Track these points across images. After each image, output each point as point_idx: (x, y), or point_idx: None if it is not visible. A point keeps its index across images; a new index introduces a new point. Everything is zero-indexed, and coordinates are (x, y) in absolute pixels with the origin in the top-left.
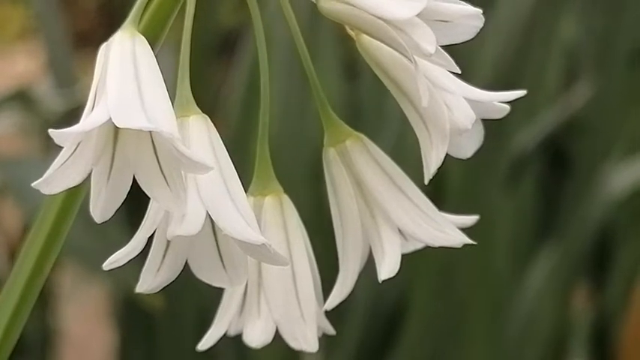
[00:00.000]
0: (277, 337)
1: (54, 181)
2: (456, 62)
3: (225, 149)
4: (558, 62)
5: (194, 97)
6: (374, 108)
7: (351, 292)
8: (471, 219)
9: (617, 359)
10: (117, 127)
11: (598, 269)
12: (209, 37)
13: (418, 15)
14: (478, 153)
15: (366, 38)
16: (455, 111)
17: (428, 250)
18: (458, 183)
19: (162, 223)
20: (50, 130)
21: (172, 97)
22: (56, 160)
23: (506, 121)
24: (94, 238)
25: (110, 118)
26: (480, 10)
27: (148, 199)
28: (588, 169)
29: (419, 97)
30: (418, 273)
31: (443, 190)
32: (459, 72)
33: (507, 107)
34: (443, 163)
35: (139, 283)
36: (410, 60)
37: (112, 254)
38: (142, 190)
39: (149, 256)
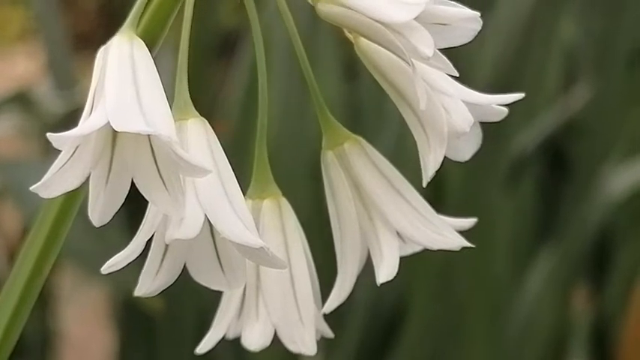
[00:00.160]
0: (276, 340)
1: (52, 184)
2: (456, 64)
3: (223, 152)
4: (557, 64)
5: (194, 98)
6: (374, 109)
7: (351, 294)
8: (468, 222)
9: None
10: (115, 131)
11: (597, 270)
12: (209, 38)
13: (416, 18)
14: (478, 154)
15: (364, 41)
16: (453, 114)
17: (427, 252)
18: (458, 184)
19: (160, 227)
20: (48, 134)
21: (172, 99)
22: (54, 164)
23: (505, 122)
24: (94, 241)
25: (108, 122)
26: (478, 13)
27: (147, 201)
28: (588, 171)
29: (417, 100)
30: (418, 275)
31: (443, 192)
32: (457, 75)
33: (505, 110)
34: (442, 165)
35: (137, 287)
36: (408, 63)
37: (111, 257)
38: (141, 193)
39: (147, 259)
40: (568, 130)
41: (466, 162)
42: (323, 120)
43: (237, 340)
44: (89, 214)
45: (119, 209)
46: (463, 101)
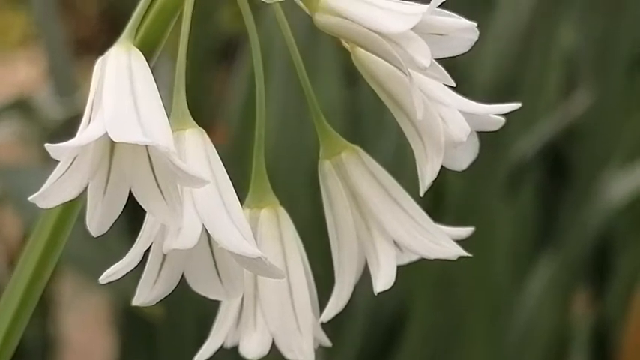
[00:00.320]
0: (274, 348)
1: (50, 195)
2: (455, 70)
3: (220, 163)
4: (557, 69)
5: (194, 104)
6: (374, 115)
7: (351, 301)
8: (466, 230)
9: None
10: (113, 142)
11: (598, 276)
12: (209, 44)
13: (413, 29)
14: (477, 161)
15: (361, 51)
16: (450, 124)
17: (427, 259)
18: (458, 191)
19: (158, 237)
20: (47, 145)
21: (170, 109)
22: (52, 174)
23: (505, 129)
24: (94, 248)
25: (106, 133)
26: (475, 24)
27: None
28: (588, 177)
29: (414, 110)
30: (418, 282)
31: (443, 199)
32: (454, 85)
33: (502, 120)
34: (441, 173)
35: (135, 296)
36: (405, 73)
37: (111, 264)
38: None
39: (145, 269)
40: (568, 136)
41: (466, 169)
42: (320, 129)
43: (237, 348)
44: (87, 224)
45: (119, 217)
46: (460, 111)
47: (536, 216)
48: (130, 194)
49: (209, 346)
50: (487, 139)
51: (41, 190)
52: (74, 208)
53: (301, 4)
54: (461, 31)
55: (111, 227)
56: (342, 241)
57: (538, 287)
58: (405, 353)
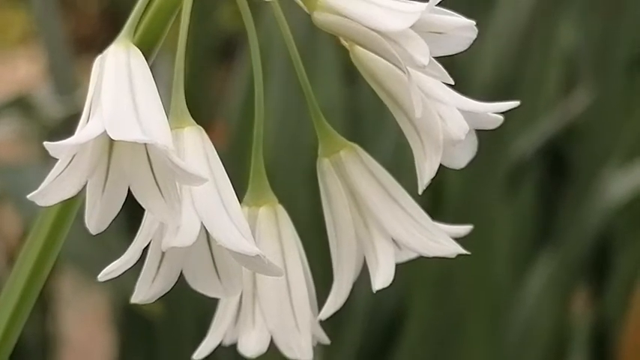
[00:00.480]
0: (273, 346)
1: (49, 193)
2: (455, 69)
3: (219, 161)
4: (557, 68)
5: (195, 101)
6: (374, 113)
7: (350, 299)
8: (464, 229)
9: None
10: (112, 139)
11: (597, 274)
12: (210, 41)
13: (412, 27)
14: (477, 160)
15: (360, 49)
16: (448, 122)
17: (426, 257)
18: (457, 189)
19: (156, 235)
20: (45, 143)
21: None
22: (51, 172)
23: (505, 127)
24: (93, 245)
25: (105, 131)
26: (474, 22)
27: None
28: (587, 175)
29: (412, 108)
30: (417, 280)
31: (442, 197)
32: (453, 83)
33: (501, 118)
34: (440, 172)
35: (134, 294)
36: (403, 71)
37: (110, 261)
38: None
39: (144, 267)
40: (568, 135)
41: (465, 167)
42: (319, 127)
43: (236, 346)
44: (86, 222)
45: (118, 214)
46: (459, 109)
47: (535, 214)
48: (129, 192)
49: (208, 344)
50: (487, 137)
51: (40, 187)
52: (73, 206)
53: (300, 2)
54: (460, 30)
55: (110, 225)
56: (340, 238)
57: (537, 286)
58: (404, 351)
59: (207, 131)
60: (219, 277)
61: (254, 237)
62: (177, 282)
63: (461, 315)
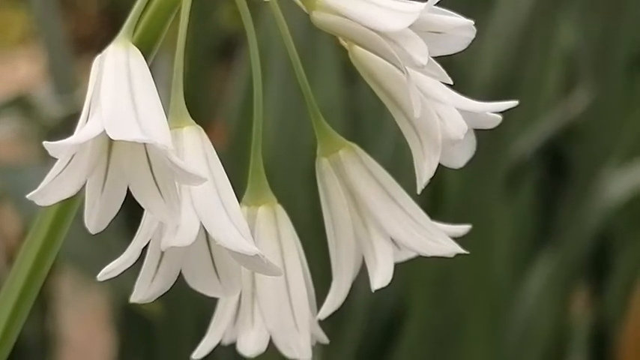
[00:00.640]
0: (272, 346)
1: (48, 192)
2: (455, 68)
3: (218, 160)
4: (557, 68)
5: (194, 101)
6: (373, 113)
7: (350, 298)
8: (463, 228)
9: None
10: (111, 139)
11: (597, 274)
12: (209, 41)
13: (411, 27)
14: (477, 160)
15: (359, 49)
16: (447, 121)
17: (425, 257)
18: (456, 189)
19: (156, 234)
20: (45, 143)
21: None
22: (51, 172)
23: (504, 127)
24: (93, 245)
25: (104, 130)
26: (472, 22)
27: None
28: (587, 175)
29: (411, 107)
30: (417, 279)
31: (442, 197)
32: (452, 83)
33: (500, 118)
34: (440, 172)
35: (133, 293)
36: (402, 71)
37: (110, 261)
38: None
39: (143, 266)
40: (567, 135)
41: (465, 167)
42: (318, 127)
43: (235, 345)
44: (85, 221)
45: (117, 214)
46: (457, 109)
47: (535, 214)
48: (128, 191)
49: (207, 344)
50: (486, 137)
51: (39, 187)
52: (72, 205)
53: (299, 1)
54: (458, 29)
55: (109, 224)
56: (339, 238)
57: (537, 286)
58: (404, 351)
59: (206, 131)
60: (218, 277)
61: (253, 237)
62: (176, 281)
63: (460, 315)
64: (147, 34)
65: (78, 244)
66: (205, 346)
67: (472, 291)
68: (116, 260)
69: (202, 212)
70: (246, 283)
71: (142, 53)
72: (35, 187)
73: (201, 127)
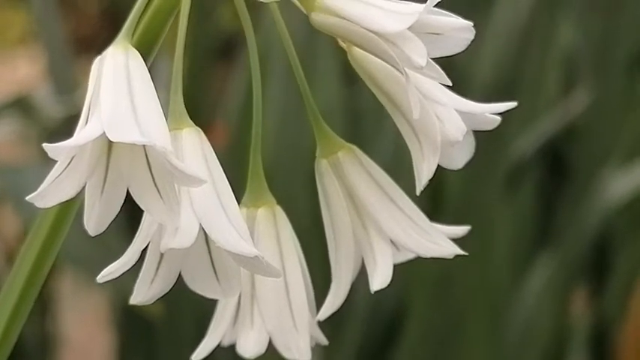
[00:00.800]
0: (272, 347)
1: (48, 194)
2: (455, 69)
3: (218, 162)
4: (557, 68)
5: (195, 102)
6: (373, 114)
7: (350, 299)
8: (462, 229)
9: None
10: (111, 141)
11: (597, 275)
12: (210, 42)
13: (409, 28)
14: (477, 160)
15: (358, 51)
16: (446, 123)
17: (425, 258)
18: (457, 189)
19: (155, 236)
20: (44, 145)
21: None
22: (50, 174)
23: (504, 128)
24: (93, 246)
25: (104, 132)
26: (471, 23)
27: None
28: (587, 176)
29: (410, 109)
30: (417, 280)
31: (442, 197)
32: (451, 84)
33: (498, 119)
34: (440, 172)
35: (132, 295)
36: (401, 72)
37: (110, 262)
38: None
39: (143, 268)
40: (567, 135)
41: (465, 168)
42: (317, 128)
43: (234, 347)
44: (85, 223)
45: (118, 215)
46: (456, 110)
47: (535, 215)
48: (129, 193)
49: (206, 345)
50: (486, 137)
51: (39, 189)
52: (72, 207)
53: (298, 3)
54: (457, 31)
55: (110, 225)
56: (338, 239)
57: (537, 286)
58: (404, 352)
59: (206, 132)
60: (217, 279)
61: (252, 238)
62: (176, 282)
63: (460, 315)
64: (146, 36)
65: (78, 245)
66: (205, 348)
67: (472, 291)
68: (116, 262)
69: (202, 214)
70: (246, 284)
71: (141, 55)
72: (35, 188)
73: (200, 129)
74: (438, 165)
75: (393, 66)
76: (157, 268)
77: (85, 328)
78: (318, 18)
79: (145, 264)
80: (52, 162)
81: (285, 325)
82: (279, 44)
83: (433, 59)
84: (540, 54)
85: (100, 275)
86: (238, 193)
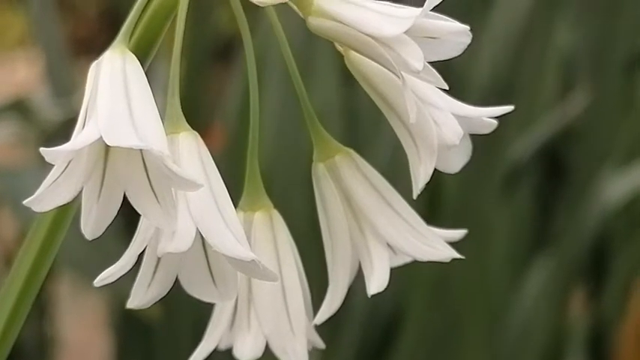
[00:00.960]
0: (269, 350)
1: (45, 199)
2: (452, 72)
3: (214, 166)
4: (554, 70)
5: (193, 104)
6: (371, 117)
7: (348, 303)
8: (459, 233)
9: None
10: (107, 145)
11: (595, 277)
12: (208, 44)
13: (406, 32)
14: (474, 163)
15: (354, 54)
16: (443, 127)
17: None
18: (454, 192)
19: (152, 240)
20: (41, 149)
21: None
22: (47, 179)
23: (502, 130)
24: (91, 249)
25: (101, 137)
26: (468, 27)
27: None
28: (585, 178)
29: (407, 113)
30: (414, 283)
31: (440, 199)
32: (447, 88)
33: (495, 122)
34: (437, 175)
35: (130, 299)
36: (398, 76)
37: (108, 265)
38: None
39: (140, 272)
40: (565, 137)
41: (463, 170)
42: (314, 132)
43: (231, 350)
44: (82, 227)
45: (115, 218)
46: (453, 114)
47: (532, 217)
48: (126, 197)
49: (203, 348)
50: (484, 140)
51: (36, 193)
52: (70, 210)
53: (295, 7)
54: (454, 35)
55: (107, 229)
56: (335, 243)
57: (535, 288)
58: (402, 355)
59: (204, 135)
60: (214, 282)
61: (249, 242)
62: (173, 286)
63: (458, 318)
64: (143, 40)
65: (76, 249)
66: (202, 351)
67: (470, 294)
68: (113, 266)
69: (199, 218)
70: (243, 288)
71: (138, 58)
72: (33, 191)
73: (197, 133)
74: (435, 168)
75: (389, 70)
76: (154, 272)
77: (83, 330)
78: (314, 22)
79: (142, 268)
80: (49, 165)
81: (282, 329)
82: (276, 47)
83: (430, 63)
84: (538, 56)
85: (97, 279)
86: (235, 197)
